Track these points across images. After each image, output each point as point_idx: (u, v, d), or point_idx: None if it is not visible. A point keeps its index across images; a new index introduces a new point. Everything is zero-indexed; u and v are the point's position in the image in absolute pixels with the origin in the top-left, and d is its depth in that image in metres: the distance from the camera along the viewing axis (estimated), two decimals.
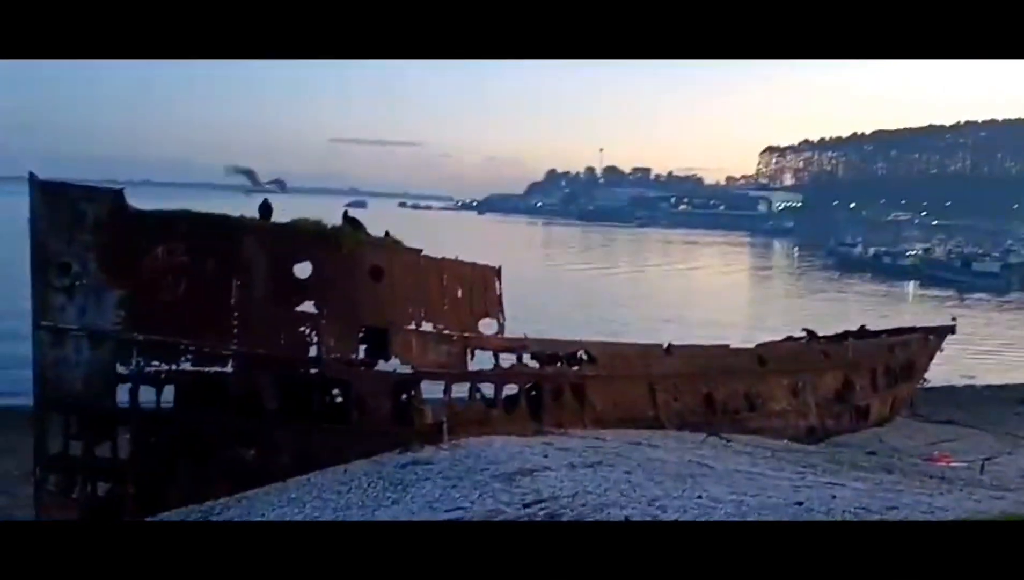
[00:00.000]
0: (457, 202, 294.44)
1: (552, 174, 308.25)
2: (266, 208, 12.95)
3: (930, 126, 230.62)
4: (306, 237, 12.78)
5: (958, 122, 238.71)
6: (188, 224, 12.26)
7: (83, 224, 11.87)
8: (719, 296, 67.97)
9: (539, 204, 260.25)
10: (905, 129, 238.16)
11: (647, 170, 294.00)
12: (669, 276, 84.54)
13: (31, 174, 11.89)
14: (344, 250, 12.86)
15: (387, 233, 13.93)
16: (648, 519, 8.37)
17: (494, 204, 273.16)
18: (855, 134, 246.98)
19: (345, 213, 13.72)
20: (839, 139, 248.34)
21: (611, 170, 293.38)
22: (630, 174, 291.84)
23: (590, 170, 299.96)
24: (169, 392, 12.66)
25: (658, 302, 59.67)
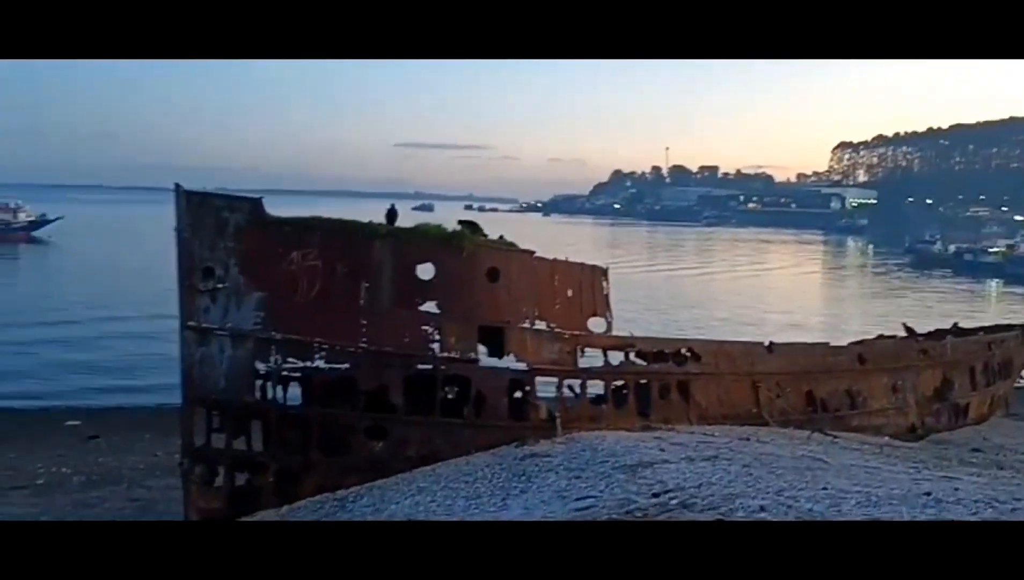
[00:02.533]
0: (522, 204, 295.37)
1: (617, 174, 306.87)
2: (392, 214, 13.65)
3: (1011, 119, 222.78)
4: (429, 241, 13.44)
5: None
6: (321, 230, 13.01)
7: (225, 231, 12.70)
8: (797, 296, 67.19)
9: (615, 205, 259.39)
10: (983, 122, 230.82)
11: (715, 168, 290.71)
12: (742, 276, 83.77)
13: (177, 185, 12.77)
14: (464, 253, 13.48)
15: (501, 236, 14.51)
16: (781, 509, 8.72)
17: (559, 205, 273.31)
18: (931, 129, 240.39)
19: (463, 219, 14.34)
20: (915, 134, 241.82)
21: (678, 169, 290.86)
22: (697, 173, 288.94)
23: (656, 169, 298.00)
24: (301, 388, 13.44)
25: (731, 303, 59.29)
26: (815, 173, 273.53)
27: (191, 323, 12.74)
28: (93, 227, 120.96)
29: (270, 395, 13.11)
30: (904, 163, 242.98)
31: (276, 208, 13.30)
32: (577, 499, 10.44)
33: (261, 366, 12.93)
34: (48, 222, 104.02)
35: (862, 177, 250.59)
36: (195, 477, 12.78)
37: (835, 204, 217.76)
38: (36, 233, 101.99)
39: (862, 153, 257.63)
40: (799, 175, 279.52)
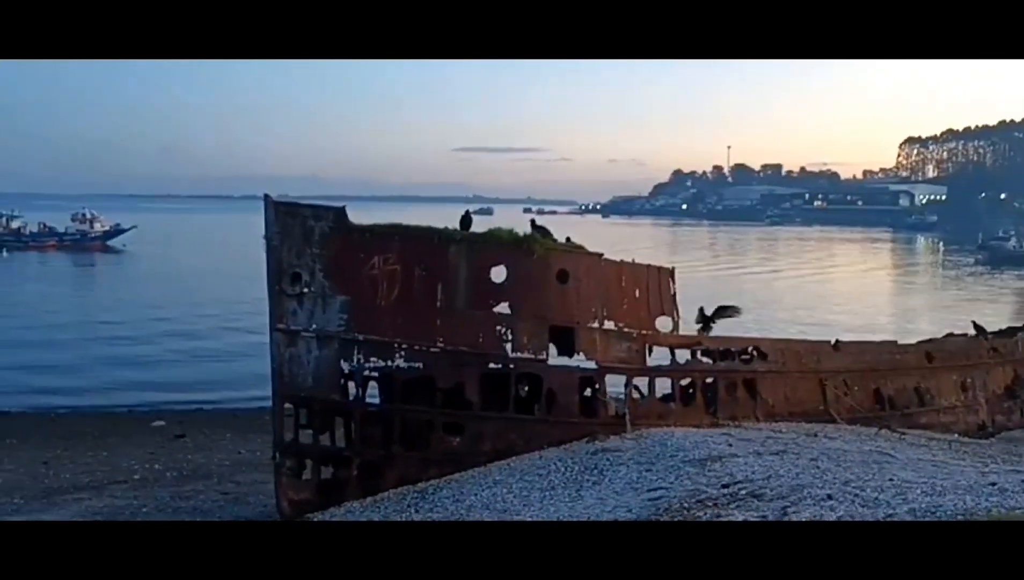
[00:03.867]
0: (581, 206, 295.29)
1: (678, 174, 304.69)
2: (467, 220, 14.31)
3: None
4: (501, 245, 14.05)
5: None
6: (400, 236, 13.72)
7: (311, 238, 13.50)
8: (865, 296, 66.24)
9: (682, 206, 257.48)
10: None
11: (778, 167, 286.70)
12: (807, 275, 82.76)
13: (266, 196, 13.62)
14: (535, 256, 14.06)
15: (568, 239, 15.06)
16: (848, 498, 9.05)
17: (619, 207, 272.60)
18: (1003, 122, 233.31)
19: (533, 221, 14.92)
20: (986, 127, 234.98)
21: (740, 167, 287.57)
22: (760, 171, 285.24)
23: (718, 169, 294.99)
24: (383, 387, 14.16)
25: (794, 303, 58.76)
26: (882, 170, 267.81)
27: (280, 326, 13.54)
28: (167, 235, 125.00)
29: (354, 393, 13.86)
30: (976, 157, 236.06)
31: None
32: (649, 491, 10.90)
33: (345, 366, 13.69)
34: (123, 231, 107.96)
35: (931, 173, 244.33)
36: (286, 470, 13.58)
37: (904, 201, 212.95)
38: (111, 242, 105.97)
39: (931, 148, 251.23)
40: (865, 172, 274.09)
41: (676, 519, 9.11)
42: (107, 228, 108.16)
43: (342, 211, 13.69)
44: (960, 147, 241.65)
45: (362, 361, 13.67)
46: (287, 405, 13.73)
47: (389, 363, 13.75)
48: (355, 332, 13.58)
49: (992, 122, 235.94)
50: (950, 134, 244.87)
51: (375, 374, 13.91)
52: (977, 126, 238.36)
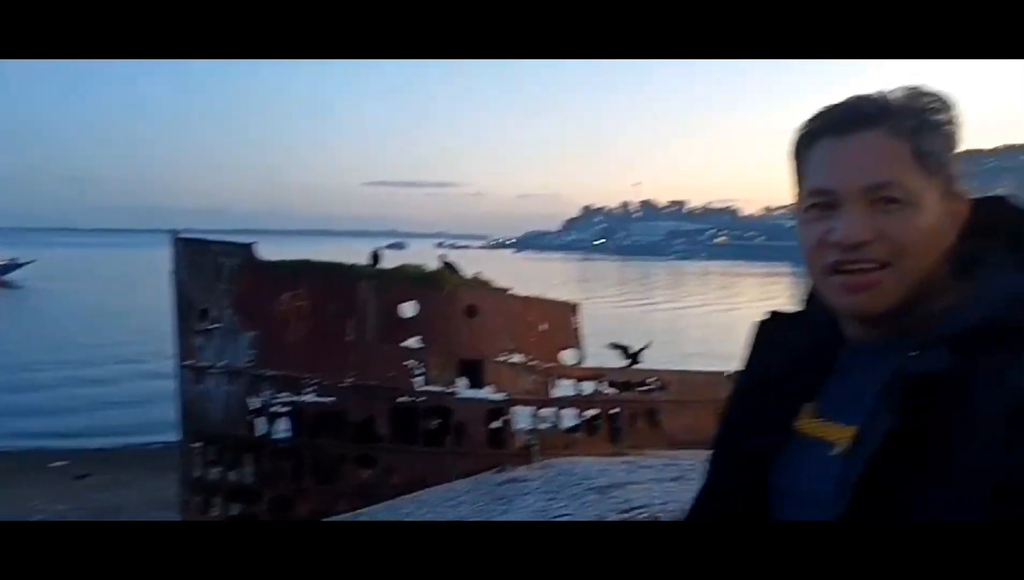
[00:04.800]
0: (493, 241, 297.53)
1: (587, 210, 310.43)
2: (376, 256, 14.63)
3: (976, 150, 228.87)
4: (411, 281, 14.41)
5: (999, 147, 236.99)
6: (310, 272, 13.95)
7: (220, 275, 13.60)
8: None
9: (601, 241, 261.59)
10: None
11: (682, 203, 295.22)
12: (712, 310, 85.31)
13: (175, 232, 13.69)
14: (444, 291, 14.46)
15: (477, 275, 15.53)
16: None
17: (530, 241, 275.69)
18: None
19: (443, 258, 15.35)
20: None
21: (646, 204, 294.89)
22: (665, 208, 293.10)
23: (625, 205, 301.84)
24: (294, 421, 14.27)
25: (699, 336, 60.56)
26: (782, 207, 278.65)
27: (188, 362, 13.54)
28: (67, 271, 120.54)
29: (264, 429, 13.92)
30: None
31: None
32: (553, 518, 11.34)
33: (255, 401, 13.76)
34: (19, 266, 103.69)
35: None
36: (193, 507, 13.51)
37: None
38: (7, 277, 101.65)
39: None
40: (766, 208, 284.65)
41: None
42: (2, 263, 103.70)
43: (252, 247, 13.85)
44: None
45: (272, 396, 13.77)
46: (196, 442, 13.70)
47: (299, 398, 13.89)
48: (264, 367, 13.68)
49: None
50: None
51: (285, 409, 14.01)
52: None
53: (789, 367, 1.28)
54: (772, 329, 1.36)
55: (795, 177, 1.24)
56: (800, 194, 1.23)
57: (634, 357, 17.22)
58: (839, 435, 1.16)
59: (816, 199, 1.18)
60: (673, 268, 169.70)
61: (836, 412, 1.20)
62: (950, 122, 1.16)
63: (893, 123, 1.14)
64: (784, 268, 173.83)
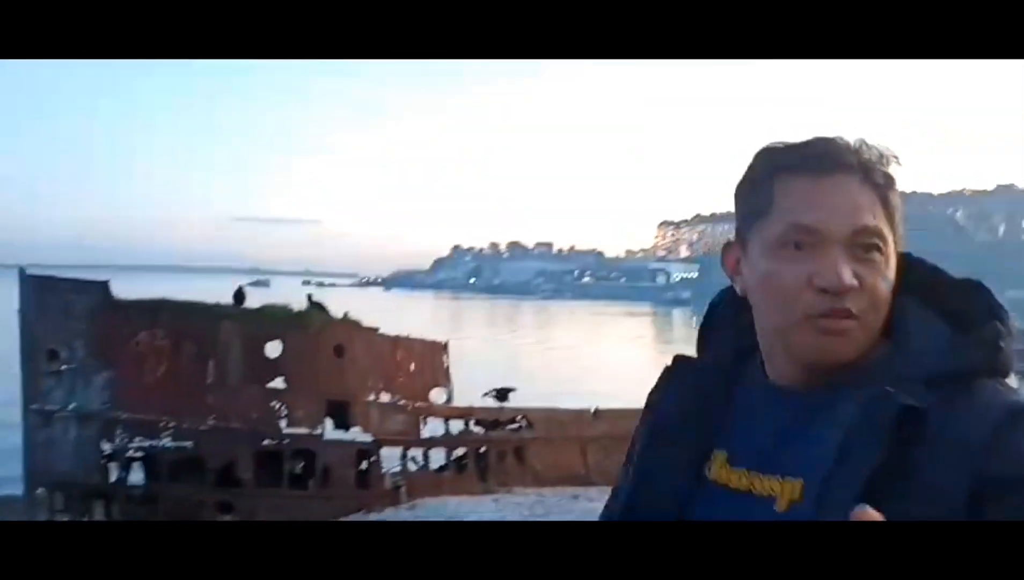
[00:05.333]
0: (363, 279, 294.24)
1: (457, 249, 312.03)
2: (240, 295, 14.30)
3: None
4: (276, 320, 14.15)
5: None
6: (169, 311, 13.49)
7: (71, 314, 12.96)
8: (626, 366, 70.38)
9: (472, 280, 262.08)
10: None
11: (549, 244, 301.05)
12: (575, 349, 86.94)
13: (21, 269, 12.98)
14: (311, 331, 14.26)
15: (346, 314, 15.40)
16: None
17: (400, 280, 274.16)
18: None
19: (309, 297, 15.15)
20: (729, 213, 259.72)
21: (515, 245, 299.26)
22: (534, 248, 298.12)
23: (494, 245, 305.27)
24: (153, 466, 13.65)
25: (566, 374, 61.55)
26: (642, 250, 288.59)
27: (34, 406, 12.80)
28: None
29: (117, 475, 13.26)
30: (722, 239, 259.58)
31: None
32: None
33: (107, 446, 13.10)
34: None
35: (684, 253, 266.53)
36: None
37: (660, 278, 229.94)
38: None
39: (683, 230, 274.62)
40: (627, 251, 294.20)
41: None
42: None
43: (106, 285, 13.29)
44: (709, 229, 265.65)
45: (126, 441, 13.16)
46: (39, 490, 12.89)
47: (156, 442, 13.33)
48: (119, 411, 13.07)
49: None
50: (699, 218, 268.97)
51: (140, 454, 13.41)
52: (723, 212, 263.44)
53: (696, 412, 1.22)
54: (679, 373, 1.28)
55: (754, 210, 1.16)
56: (770, 229, 1.13)
57: (502, 396, 17.42)
58: (777, 488, 1.10)
59: (799, 237, 1.11)
60: (541, 307, 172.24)
61: (758, 462, 1.14)
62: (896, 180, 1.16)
63: (866, 172, 1.12)
64: (645, 308, 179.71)
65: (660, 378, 1.30)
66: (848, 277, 1.09)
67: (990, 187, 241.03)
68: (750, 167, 1.20)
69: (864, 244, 1.11)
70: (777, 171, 1.15)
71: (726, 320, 1.29)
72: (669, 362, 1.31)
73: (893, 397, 1.03)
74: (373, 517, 13.60)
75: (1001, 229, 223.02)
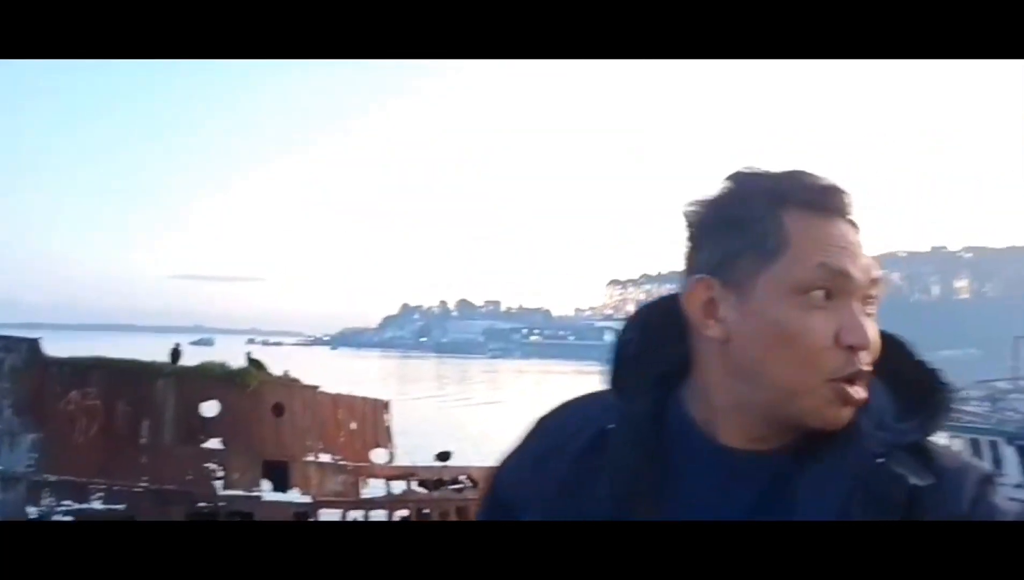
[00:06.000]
0: (309, 337, 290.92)
1: (406, 307, 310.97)
2: (176, 353, 14.04)
3: None
4: (213, 379, 13.91)
5: None
6: (101, 370, 13.18)
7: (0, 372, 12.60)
8: None
9: (422, 339, 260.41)
10: None
11: (497, 302, 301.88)
12: (523, 408, 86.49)
13: None
14: (249, 389, 14.04)
15: (286, 372, 15.21)
16: None
17: (348, 338, 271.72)
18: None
19: (248, 354, 14.94)
20: (672, 272, 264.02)
21: (463, 303, 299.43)
22: (482, 307, 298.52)
23: (443, 303, 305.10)
24: None
25: (507, 434, 61.13)
26: (590, 308, 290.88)
27: None
28: None
29: None
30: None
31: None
32: None
33: (33, 510, 12.63)
34: None
35: (631, 311, 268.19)
36: None
37: (608, 336, 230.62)
38: None
39: (630, 289, 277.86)
40: (576, 309, 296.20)
41: None
42: None
43: (36, 343, 12.96)
44: (655, 289, 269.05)
45: (53, 504, 12.70)
46: None
47: (85, 505, 12.90)
48: (46, 473, 12.65)
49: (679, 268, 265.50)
50: (645, 278, 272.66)
51: (68, 517, 12.94)
52: (669, 271, 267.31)
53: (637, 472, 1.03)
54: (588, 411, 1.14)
55: (757, 244, 0.98)
56: (789, 270, 0.97)
57: (443, 457, 17.26)
58: None
59: (831, 283, 0.96)
60: (489, 366, 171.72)
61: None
62: None
63: (852, 218, 1.01)
64: (594, 366, 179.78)
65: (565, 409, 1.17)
66: (874, 333, 0.97)
67: (926, 248, 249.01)
68: (737, 194, 1.01)
69: (871, 298, 0.99)
70: (784, 203, 0.99)
71: (648, 361, 1.09)
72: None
73: (895, 471, 0.95)
74: None
75: (935, 290, 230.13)
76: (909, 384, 1.01)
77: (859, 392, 0.96)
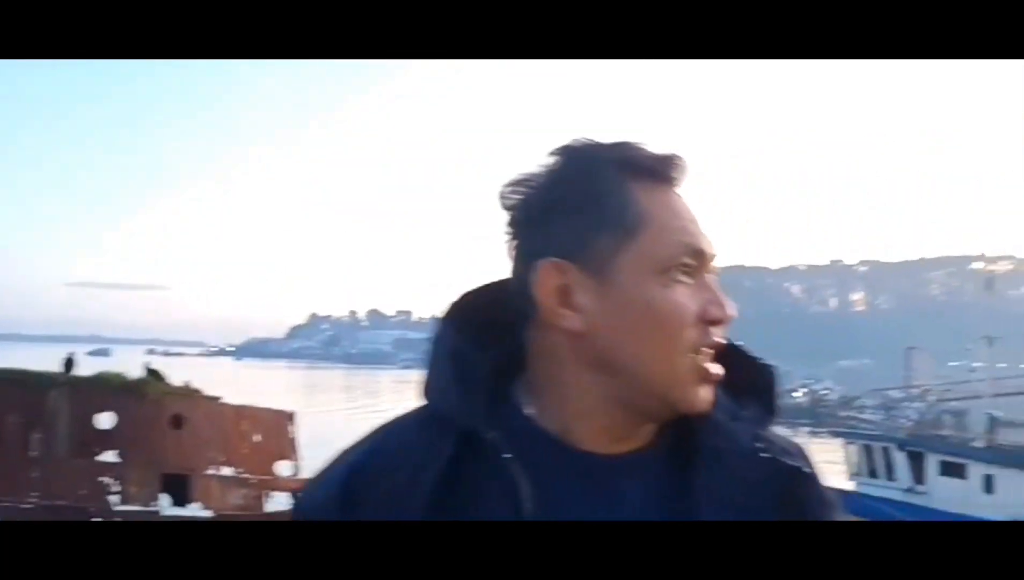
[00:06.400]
0: (212, 348, 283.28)
1: (314, 317, 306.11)
2: (69, 363, 13.48)
3: None
4: (109, 389, 13.39)
5: None
6: None
7: None
8: None
9: (334, 349, 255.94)
10: None
11: (409, 312, 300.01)
12: None
13: None
14: (147, 400, 13.57)
15: (187, 383, 14.76)
16: None
17: (253, 349, 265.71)
18: None
19: (147, 365, 14.45)
20: None
21: (374, 313, 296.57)
22: (393, 316, 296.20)
23: (352, 313, 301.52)
24: None
25: None
26: None
27: None
28: None
29: None
30: None
31: None
32: None
33: None
34: None
35: None
36: None
37: None
38: None
39: None
40: None
41: None
42: None
43: None
44: None
45: None
46: None
47: None
48: None
49: None
50: None
51: None
52: None
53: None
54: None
55: (608, 223, 0.90)
56: (650, 248, 0.90)
57: None
58: None
59: (690, 259, 0.90)
60: (400, 377, 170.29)
61: None
62: None
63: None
64: None
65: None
66: (733, 306, 0.92)
67: (824, 261, 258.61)
68: (581, 168, 0.92)
69: (715, 272, 0.93)
70: (632, 174, 0.91)
71: (472, 362, 0.94)
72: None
73: (780, 461, 0.93)
74: None
75: (832, 302, 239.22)
76: (738, 372, 0.95)
77: (716, 368, 0.91)
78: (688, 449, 0.92)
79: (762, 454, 0.93)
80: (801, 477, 0.94)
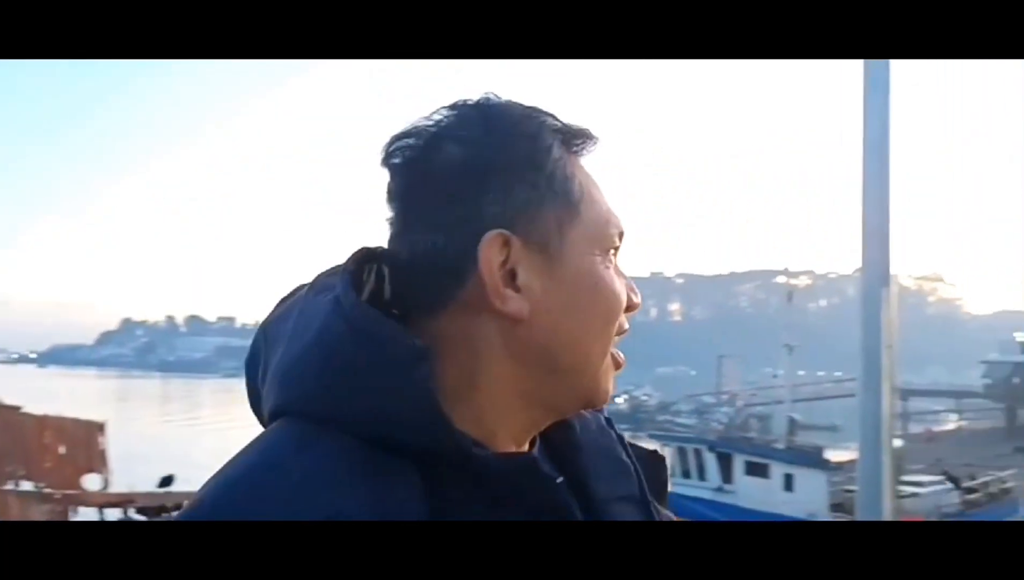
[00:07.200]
0: (13, 354, 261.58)
1: (127, 322, 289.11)
2: None
3: None
4: None
5: None
6: None
7: None
8: None
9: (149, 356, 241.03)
10: None
11: (232, 318, 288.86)
12: (259, 429, 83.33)
13: None
14: None
15: None
16: None
17: (59, 356, 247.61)
18: None
19: None
20: (681, 273, 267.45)
21: (193, 318, 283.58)
22: (214, 323, 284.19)
23: (170, 318, 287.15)
24: None
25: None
26: None
27: None
28: None
29: None
30: None
31: None
32: None
33: None
34: None
35: None
36: None
37: None
38: None
39: None
40: None
41: None
42: None
43: None
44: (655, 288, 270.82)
45: None
46: None
47: None
48: None
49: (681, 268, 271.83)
50: (654, 275, 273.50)
51: None
52: (676, 273, 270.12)
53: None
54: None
55: (551, 194, 0.79)
56: (592, 226, 0.81)
57: (165, 482, 16.24)
58: None
59: (619, 242, 0.84)
60: (222, 386, 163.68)
61: None
62: None
63: None
64: None
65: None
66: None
67: (645, 273, 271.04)
68: (514, 130, 0.80)
69: None
70: (569, 149, 0.83)
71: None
72: None
73: (649, 449, 0.92)
74: None
75: (652, 312, 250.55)
76: None
77: (620, 354, 0.85)
78: (564, 445, 0.87)
79: (619, 436, 0.91)
80: (660, 459, 0.93)
